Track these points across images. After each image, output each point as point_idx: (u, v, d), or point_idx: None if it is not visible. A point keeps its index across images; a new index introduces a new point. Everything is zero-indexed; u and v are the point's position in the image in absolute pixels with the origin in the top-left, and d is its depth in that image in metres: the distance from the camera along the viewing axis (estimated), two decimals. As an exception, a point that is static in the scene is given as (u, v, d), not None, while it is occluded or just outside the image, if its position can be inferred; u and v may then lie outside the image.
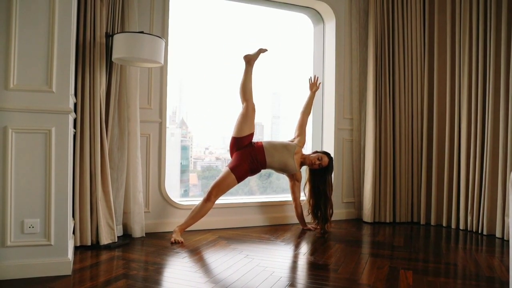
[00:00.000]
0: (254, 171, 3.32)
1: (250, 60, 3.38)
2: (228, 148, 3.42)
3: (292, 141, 3.51)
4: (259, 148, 3.32)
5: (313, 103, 3.69)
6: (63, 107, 2.22)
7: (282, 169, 3.40)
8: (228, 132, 4.12)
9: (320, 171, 3.43)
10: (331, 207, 3.42)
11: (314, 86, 3.69)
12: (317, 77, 3.71)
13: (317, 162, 3.38)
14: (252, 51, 3.39)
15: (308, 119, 3.65)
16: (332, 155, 3.93)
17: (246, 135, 3.32)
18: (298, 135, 3.54)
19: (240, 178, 3.23)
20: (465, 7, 3.60)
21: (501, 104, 3.32)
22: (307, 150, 3.98)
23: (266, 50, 3.41)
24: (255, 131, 3.40)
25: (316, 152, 3.50)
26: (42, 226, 2.18)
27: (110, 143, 2.95)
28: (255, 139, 3.42)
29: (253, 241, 3.13)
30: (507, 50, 3.30)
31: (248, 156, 3.27)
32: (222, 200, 3.40)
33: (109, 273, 2.28)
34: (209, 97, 4.10)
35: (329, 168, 3.44)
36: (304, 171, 3.58)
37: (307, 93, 3.68)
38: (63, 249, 2.22)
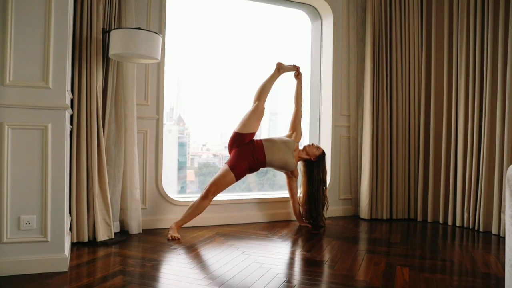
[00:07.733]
0: (253, 169, 3.31)
1: (280, 68, 3.46)
2: (226, 145, 3.41)
3: (289, 137, 3.51)
4: (259, 147, 3.31)
5: (305, 96, 3.65)
6: (60, 103, 2.21)
7: (282, 167, 3.40)
8: (225, 128, 4.11)
9: (316, 160, 3.50)
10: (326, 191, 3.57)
11: (296, 72, 3.61)
12: (297, 66, 3.61)
13: (317, 153, 3.48)
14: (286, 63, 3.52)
15: (302, 115, 3.63)
16: (329, 152, 4.00)
17: (249, 133, 3.29)
18: (293, 131, 3.54)
19: (239, 176, 3.22)
20: (462, 4, 3.60)
21: (498, 101, 3.33)
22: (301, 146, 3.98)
23: (299, 68, 3.56)
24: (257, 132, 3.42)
25: (308, 145, 3.52)
26: (38, 222, 2.18)
27: (107, 139, 2.95)
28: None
29: (250, 237, 3.13)
30: (504, 47, 3.31)
31: (248, 154, 3.26)
32: (219, 196, 3.39)
33: (106, 269, 2.28)
34: (206, 93, 4.08)
35: (323, 154, 3.54)
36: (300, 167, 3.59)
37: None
38: (60, 245, 2.22)
